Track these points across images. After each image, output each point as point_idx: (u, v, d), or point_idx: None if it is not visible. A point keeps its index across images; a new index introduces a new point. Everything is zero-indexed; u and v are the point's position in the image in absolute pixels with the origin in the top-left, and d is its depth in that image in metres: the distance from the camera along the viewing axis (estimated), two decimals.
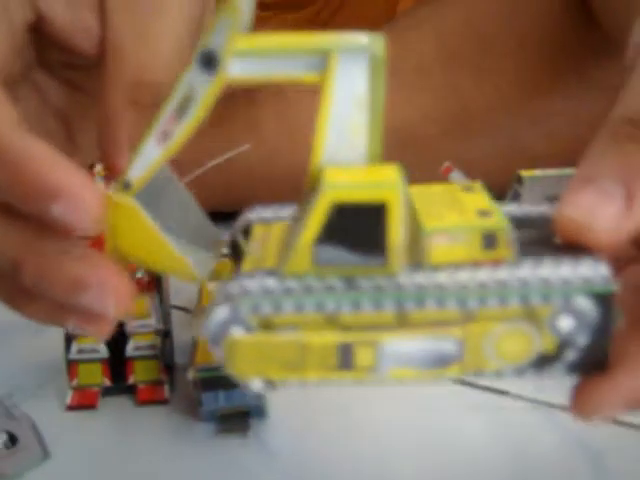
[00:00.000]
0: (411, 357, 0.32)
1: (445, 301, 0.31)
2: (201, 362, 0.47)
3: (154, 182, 0.35)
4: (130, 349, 0.51)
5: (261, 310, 0.32)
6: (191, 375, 0.46)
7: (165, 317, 0.51)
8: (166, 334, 0.51)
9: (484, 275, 0.31)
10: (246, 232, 0.37)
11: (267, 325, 0.32)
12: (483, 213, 0.32)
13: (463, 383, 0.53)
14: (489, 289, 0.31)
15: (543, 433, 0.49)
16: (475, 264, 0.31)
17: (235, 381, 0.33)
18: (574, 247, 0.32)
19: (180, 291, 0.61)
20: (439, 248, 0.31)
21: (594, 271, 0.31)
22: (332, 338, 0.31)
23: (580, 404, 0.33)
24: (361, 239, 0.31)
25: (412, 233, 0.32)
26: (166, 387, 0.51)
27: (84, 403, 0.51)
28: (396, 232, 0.30)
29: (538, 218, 0.35)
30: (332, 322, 0.32)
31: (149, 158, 0.34)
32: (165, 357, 0.51)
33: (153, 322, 0.51)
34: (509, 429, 0.49)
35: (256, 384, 0.32)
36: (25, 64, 0.40)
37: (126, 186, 0.34)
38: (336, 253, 0.31)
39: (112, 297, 0.33)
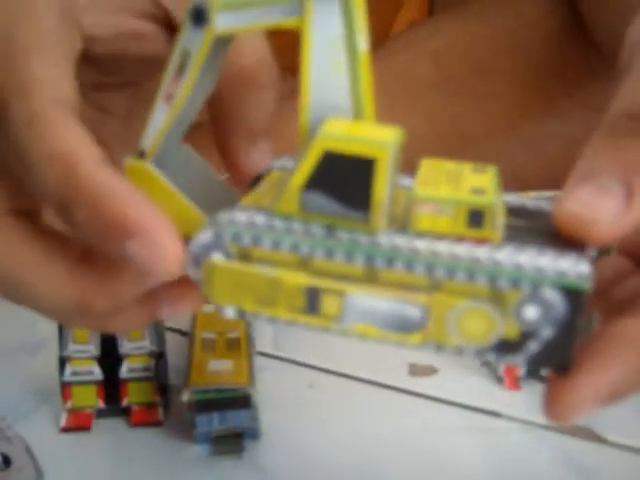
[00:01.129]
0: (376, 315, 0.32)
1: (414, 265, 0.31)
2: (195, 384, 0.47)
3: (174, 159, 0.37)
4: (124, 371, 0.51)
5: (242, 240, 0.32)
6: (185, 397, 0.46)
7: (159, 339, 0.51)
8: (160, 356, 0.51)
9: (461, 250, 0.31)
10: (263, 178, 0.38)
11: (245, 256, 0.33)
12: (477, 191, 0.32)
13: (455, 404, 0.53)
14: (459, 262, 0.31)
15: (535, 454, 0.49)
16: (457, 239, 0.32)
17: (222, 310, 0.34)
18: (568, 243, 0.32)
19: None
20: (425, 217, 0.32)
21: (573, 266, 0.31)
22: (301, 279, 0.32)
23: (551, 406, 0.33)
24: (347, 192, 0.31)
25: (406, 197, 0.32)
26: (160, 409, 0.52)
27: (78, 425, 0.51)
28: (381, 190, 0.31)
29: (538, 211, 0.35)
30: (304, 265, 0.32)
31: (158, 122, 0.35)
32: (159, 379, 0.51)
33: (147, 344, 0.51)
34: (501, 450, 0.49)
35: (230, 311, 0.33)
36: None
37: (141, 155, 0.36)
38: (322, 201, 0.32)
39: (161, 246, 0.32)
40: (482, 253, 0.31)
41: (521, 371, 0.55)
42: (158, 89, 0.35)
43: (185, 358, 0.50)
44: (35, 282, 0.35)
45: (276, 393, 0.54)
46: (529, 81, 0.77)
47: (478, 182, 0.33)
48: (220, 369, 0.48)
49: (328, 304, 0.32)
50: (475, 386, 0.56)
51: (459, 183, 0.32)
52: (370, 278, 0.32)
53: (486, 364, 0.57)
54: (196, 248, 0.33)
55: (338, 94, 0.32)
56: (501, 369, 0.55)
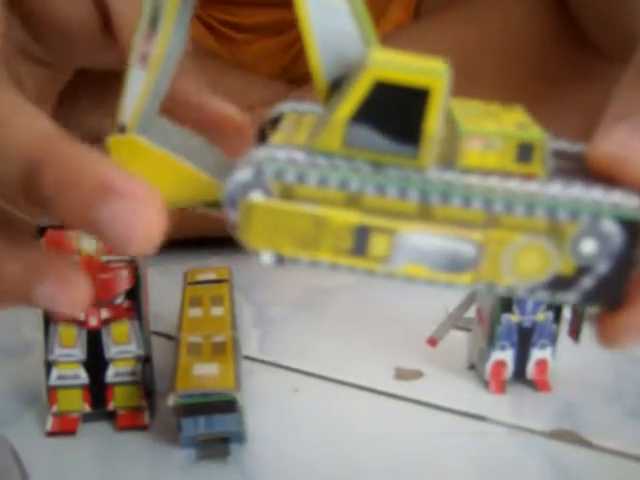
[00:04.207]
0: (427, 254, 0.31)
1: (471, 200, 0.30)
2: (181, 388, 0.47)
3: (154, 131, 0.34)
4: (110, 375, 0.51)
5: (285, 177, 0.30)
6: (171, 401, 0.46)
7: (145, 343, 0.51)
8: (146, 360, 0.51)
9: (514, 185, 0.30)
10: (276, 123, 0.36)
11: (288, 195, 0.31)
12: (522, 125, 0.31)
13: (441, 408, 0.54)
14: (517, 195, 0.30)
15: (521, 458, 0.49)
16: (505, 175, 0.31)
17: (248, 250, 0.31)
18: (606, 182, 0.31)
19: (160, 317, 0.61)
20: (472, 153, 0.31)
21: (626, 199, 0.30)
22: (351, 217, 0.30)
23: (602, 333, 0.32)
24: (397, 125, 0.30)
25: (448, 134, 0.31)
26: (146, 413, 0.51)
27: (64, 429, 0.51)
28: (434, 123, 0.29)
29: (575, 154, 0.34)
30: (354, 203, 0.30)
31: (136, 88, 0.33)
32: (145, 383, 0.51)
33: (133, 348, 0.51)
34: (487, 454, 0.49)
35: (266, 257, 0.31)
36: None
37: (121, 129, 0.33)
38: (369, 136, 0.30)
39: (145, 209, 0.28)
40: (535, 187, 0.31)
41: (508, 374, 0.55)
42: (130, 53, 0.32)
43: (171, 362, 0.50)
44: None
45: (262, 397, 0.54)
46: (515, 84, 0.77)
47: (517, 118, 0.32)
48: (206, 373, 0.48)
49: (377, 244, 0.31)
50: (461, 390, 0.56)
51: (500, 119, 0.32)
52: (423, 215, 0.31)
53: (472, 367, 0.58)
54: (233, 187, 0.31)
55: (340, 19, 0.31)
56: (487, 373, 0.55)
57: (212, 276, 0.61)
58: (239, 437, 0.49)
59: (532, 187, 0.31)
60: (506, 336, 0.54)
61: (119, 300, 0.50)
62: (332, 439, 0.51)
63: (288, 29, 0.89)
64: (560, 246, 0.31)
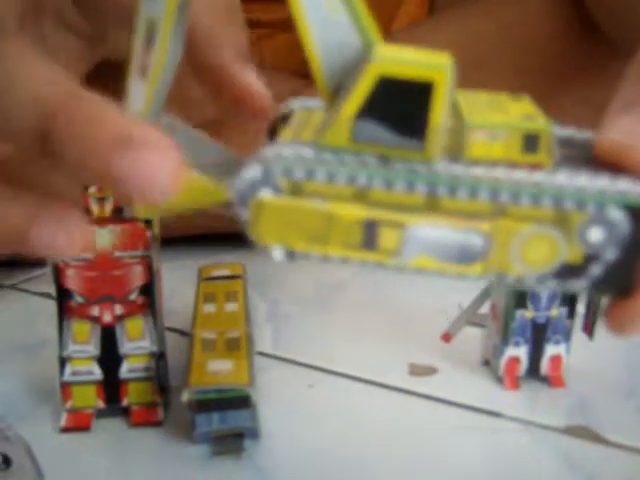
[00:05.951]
0: (436, 246, 0.31)
1: (478, 192, 0.31)
2: (195, 384, 0.47)
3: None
4: (124, 371, 0.51)
5: (293, 174, 0.31)
6: (185, 397, 0.46)
7: (159, 339, 0.51)
8: (160, 356, 0.51)
9: (520, 175, 0.31)
10: (286, 119, 0.36)
11: (297, 191, 0.31)
12: (528, 116, 0.31)
13: (455, 404, 0.53)
14: (524, 186, 0.31)
15: (535, 454, 0.49)
16: (512, 165, 0.31)
17: (260, 248, 0.32)
18: (614, 170, 0.31)
19: (174, 313, 0.61)
20: (478, 144, 0.31)
21: (632, 186, 0.31)
22: (359, 212, 0.31)
23: (612, 320, 0.32)
24: (402, 119, 0.30)
25: (454, 127, 0.32)
26: (160, 409, 0.52)
27: (78, 425, 0.51)
28: (439, 115, 0.30)
29: (582, 142, 0.34)
30: (362, 197, 0.31)
31: (138, 98, 0.33)
32: (159, 379, 0.51)
33: (147, 344, 0.51)
34: (501, 450, 0.49)
35: (277, 252, 0.32)
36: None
37: None
38: (375, 130, 0.30)
39: (166, 158, 0.28)
40: (541, 177, 0.31)
41: (522, 370, 0.55)
42: (129, 66, 0.32)
43: (185, 358, 0.50)
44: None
45: (276, 393, 0.54)
46: (531, 78, 0.77)
47: (523, 109, 0.32)
48: (220, 369, 0.48)
49: (387, 237, 0.31)
50: (475, 386, 0.56)
51: (506, 110, 0.32)
52: (431, 208, 0.31)
53: (486, 363, 0.58)
54: (243, 185, 0.31)
55: (342, 31, 0.31)
56: (501, 369, 0.55)
57: (226, 272, 0.61)
58: (253, 433, 0.49)
59: (538, 177, 0.31)
60: (520, 332, 0.54)
61: (133, 296, 0.50)
62: (346, 435, 0.51)
63: None
64: (567, 235, 0.31)
